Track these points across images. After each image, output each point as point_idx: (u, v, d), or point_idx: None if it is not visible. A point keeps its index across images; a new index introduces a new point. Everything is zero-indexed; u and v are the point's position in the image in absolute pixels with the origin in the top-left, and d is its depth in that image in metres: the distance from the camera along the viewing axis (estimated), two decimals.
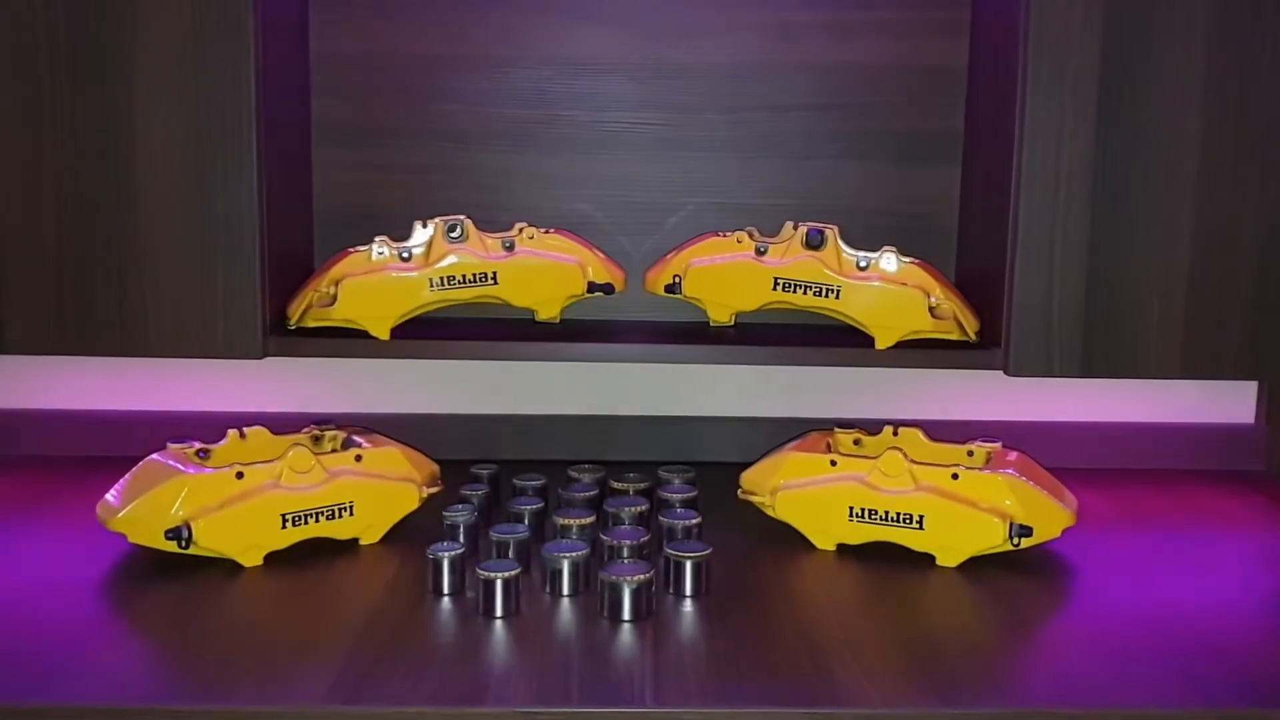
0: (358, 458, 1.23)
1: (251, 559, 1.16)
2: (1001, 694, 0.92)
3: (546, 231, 1.36)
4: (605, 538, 1.15)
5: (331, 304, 1.30)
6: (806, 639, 1.01)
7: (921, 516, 1.19)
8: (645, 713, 0.89)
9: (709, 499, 1.30)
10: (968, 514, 1.17)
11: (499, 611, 1.04)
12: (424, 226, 1.34)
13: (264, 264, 1.28)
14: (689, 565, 1.10)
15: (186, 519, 1.13)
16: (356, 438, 1.29)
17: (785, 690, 0.91)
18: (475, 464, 1.39)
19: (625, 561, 1.09)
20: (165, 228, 1.26)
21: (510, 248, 1.34)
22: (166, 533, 1.12)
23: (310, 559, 1.17)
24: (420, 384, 1.55)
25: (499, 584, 1.04)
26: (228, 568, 1.15)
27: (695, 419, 1.56)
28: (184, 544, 1.13)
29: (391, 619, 1.04)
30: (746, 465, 1.30)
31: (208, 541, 1.13)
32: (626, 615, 1.04)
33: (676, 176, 1.50)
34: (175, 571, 1.13)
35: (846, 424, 1.35)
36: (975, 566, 1.18)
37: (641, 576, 1.04)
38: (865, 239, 1.38)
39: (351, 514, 1.21)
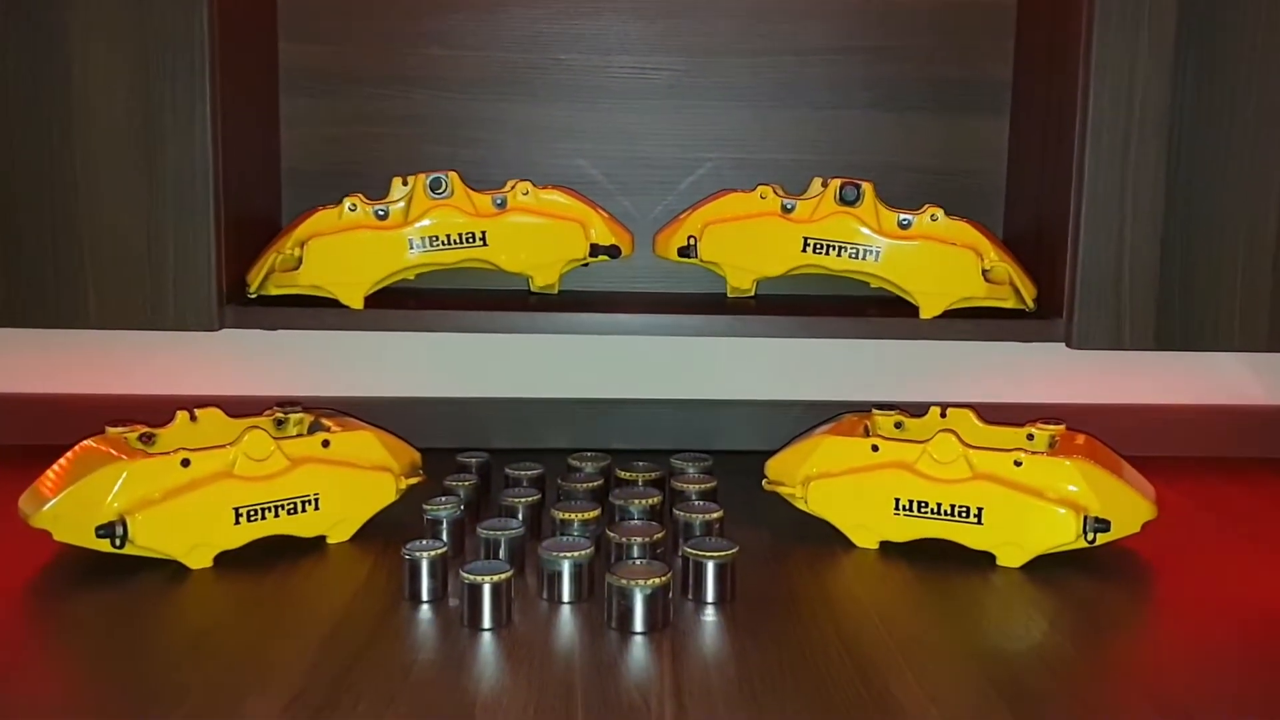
0: (325, 443, 1.06)
1: (199, 560, 0.99)
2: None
3: (543, 188, 1.19)
4: (612, 535, 0.98)
5: (296, 267, 1.14)
6: (854, 654, 0.84)
7: (980, 509, 1.02)
8: None
9: (728, 491, 1.13)
10: (1035, 506, 1.01)
11: (487, 622, 0.88)
12: (404, 184, 1.18)
13: (219, 223, 1.12)
14: (711, 567, 0.93)
15: (121, 513, 0.96)
16: (325, 421, 1.12)
17: (834, 715, 0.75)
18: (462, 452, 1.22)
19: (636, 562, 0.92)
20: (106, 180, 1.10)
21: (502, 205, 1.17)
22: (98, 529, 0.96)
23: (268, 561, 1.01)
24: (400, 364, 1.38)
25: (487, 589, 0.88)
26: (170, 571, 0.98)
27: (711, 403, 1.39)
28: (118, 542, 0.96)
29: (359, 630, 0.87)
30: (769, 455, 1.14)
31: (146, 540, 0.97)
32: (639, 626, 0.87)
33: (689, 130, 1.34)
34: (108, 576, 0.97)
35: (885, 407, 1.19)
36: (1043, 567, 1.01)
37: (657, 580, 0.88)
38: (900, 199, 1.22)
39: (317, 508, 1.04)
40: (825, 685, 0.79)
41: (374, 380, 1.38)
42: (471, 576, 0.88)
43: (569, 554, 0.93)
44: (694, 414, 1.39)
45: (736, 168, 1.33)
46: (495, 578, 0.88)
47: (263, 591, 0.95)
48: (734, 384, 1.40)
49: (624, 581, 0.87)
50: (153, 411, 1.16)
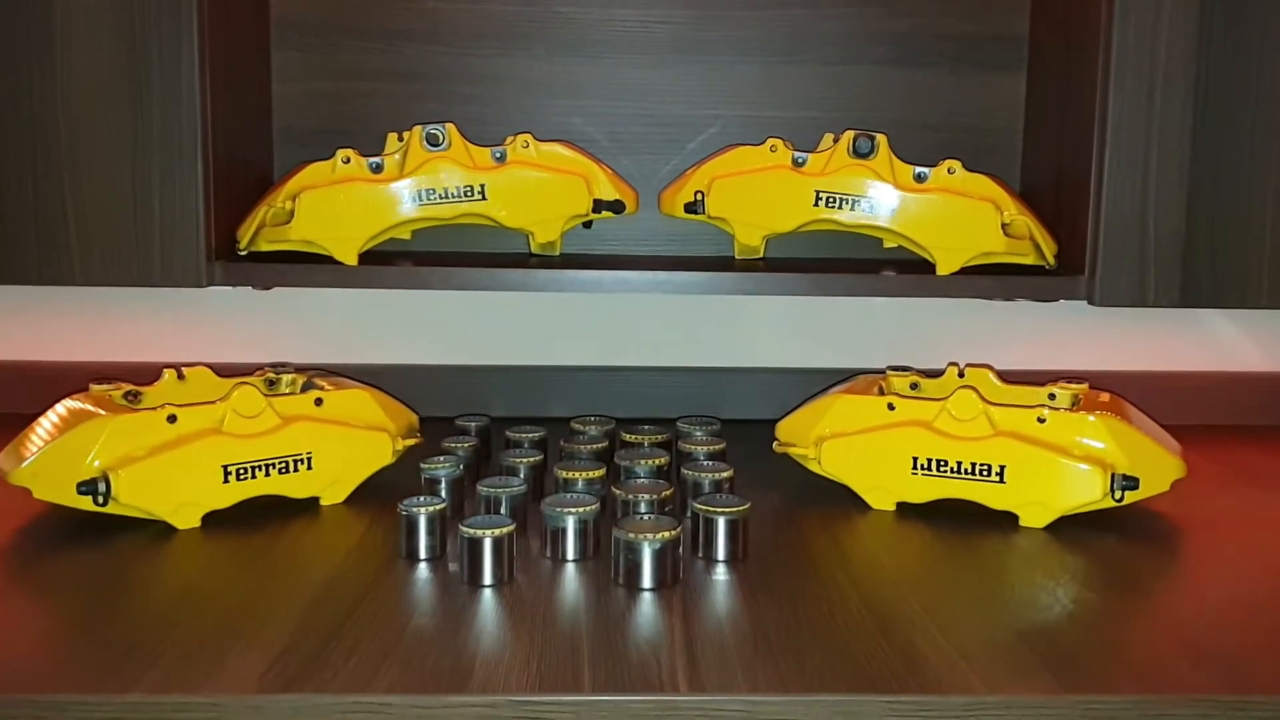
0: (318, 401, 1.02)
1: (185, 520, 0.95)
2: (1138, 677, 0.71)
3: (545, 142, 1.15)
4: (619, 492, 0.94)
5: (287, 221, 1.10)
6: (875, 611, 0.80)
7: (1002, 467, 0.98)
8: (680, 701, 0.67)
9: (736, 458, 1.08)
10: (1060, 463, 0.96)
11: (488, 578, 0.83)
12: (400, 140, 1.13)
13: (208, 174, 1.08)
14: (722, 522, 0.89)
15: (104, 469, 0.92)
16: (319, 381, 1.08)
17: (859, 673, 0.70)
18: (461, 417, 1.18)
19: (644, 518, 0.88)
20: (89, 129, 1.06)
21: (501, 159, 1.13)
22: (79, 486, 0.91)
23: (258, 521, 0.96)
24: (395, 330, 1.34)
25: (488, 543, 0.83)
26: (156, 531, 0.94)
27: (717, 371, 1.35)
28: (101, 500, 0.92)
29: (352, 588, 0.83)
30: (777, 423, 1.09)
31: (130, 497, 0.92)
32: (647, 582, 0.83)
33: (694, 86, 1.29)
34: (89, 536, 0.93)
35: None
36: (1067, 527, 0.97)
37: (666, 534, 0.83)
38: (913, 158, 1.16)
39: (310, 467, 1.00)
40: (845, 641, 0.75)
41: (368, 347, 1.34)
42: (472, 530, 0.83)
43: (574, 509, 0.89)
44: (701, 382, 1.34)
45: (743, 126, 1.29)
46: (497, 531, 0.83)
47: (252, 551, 0.91)
48: (739, 352, 1.35)
49: (632, 536, 0.83)
50: (138, 378, 1.11)
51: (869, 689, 0.68)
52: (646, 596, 0.82)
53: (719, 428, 1.16)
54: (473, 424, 1.15)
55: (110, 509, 0.92)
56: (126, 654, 0.72)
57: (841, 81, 1.29)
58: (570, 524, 0.88)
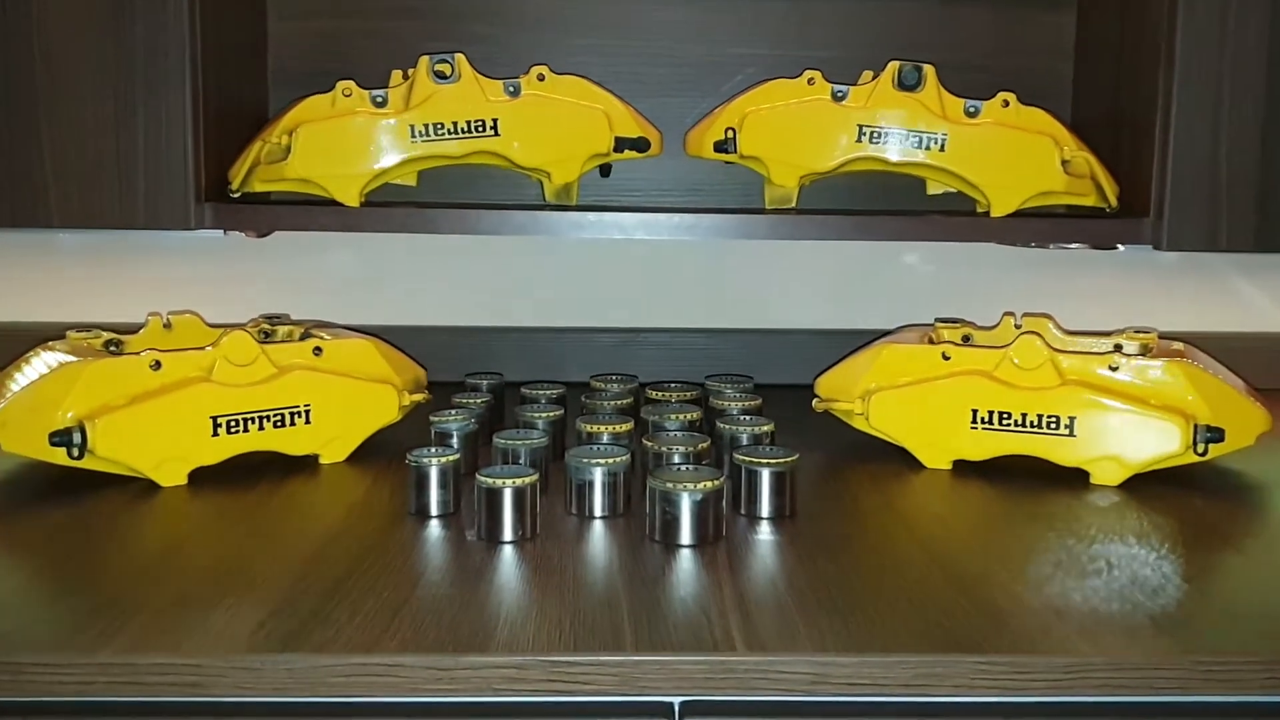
0: (317, 350, 0.93)
1: (170, 476, 0.85)
2: (1261, 638, 0.61)
3: (562, 75, 1.05)
4: (649, 444, 0.84)
5: (284, 158, 1.00)
6: (948, 570, 0.71)
7: (1072, 419, 0.89)
8: (737, 662, 0.58)
9: (772, 418, 0.98)
10: (1136, 414, 0.87)
11: (508, 534, 0.74)
12: (404, 78, 1.04)
13: (197, 108, 0.98)
14: (767, 475, 0.80)
15: (80, 419, 0.83)
16: (318, 332, 0.98)
17: (940, 632, 0.61)
18: (473, 375, 1.09)
19: (681, 468, 0.79)
20: (67, 57, 0.97)
21: (515, 92, 1.03)
22: (52, 437, 0.82)
23: (251, 479, 0.88)
24: (401, 287, 1.24)
25: (507, 495, 0.74)
26: (139, 488, 0.85)
27: (747, 332, 1.25)
28: (76, 452, 0.82)
29: (354, 544, 0.74)
30: (811, 388, 1.00)
31: (109, 450, 0.83)
32: (686, 538, 0.74)
33: (718, 23, 1.20)
34: (63, 493, 0.84)
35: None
36: (1143, 484, 0.88)
37: (709, 483, 0.74)
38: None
39: (308, 421, 0.91)
40: (919, 600, 0.66)
41: (372, 306, 1.24)
42: (490, 480, 0.74)
43: (602, 460, 0.79)
44: (729, 344, 1.25)
45: (772, 67, 1.19)
46: (518, 481, 0.74)
47: (242, 509, 0.82)
48: (771, 312, 1.26)
49: (669, 485, 0.74)
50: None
51: (954, 649, 0.59)
52: (686, 553, 0.73)
53: (752, 385, 1.07)
54: (484, 382, 1.06)
55: (87, 463, 0.83)
56: (96, 612, 0.62)
57: (877, 19, 1.20)
58: (598, 476, 0.79)
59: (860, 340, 1.12)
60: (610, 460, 0.79)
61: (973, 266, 1.24)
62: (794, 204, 1.08)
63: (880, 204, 1.16)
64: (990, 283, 1.24)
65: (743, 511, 0.80)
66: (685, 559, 0.72)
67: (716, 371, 1.21)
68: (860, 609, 0.64)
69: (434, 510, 0.79)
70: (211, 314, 1.08)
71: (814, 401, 0.99)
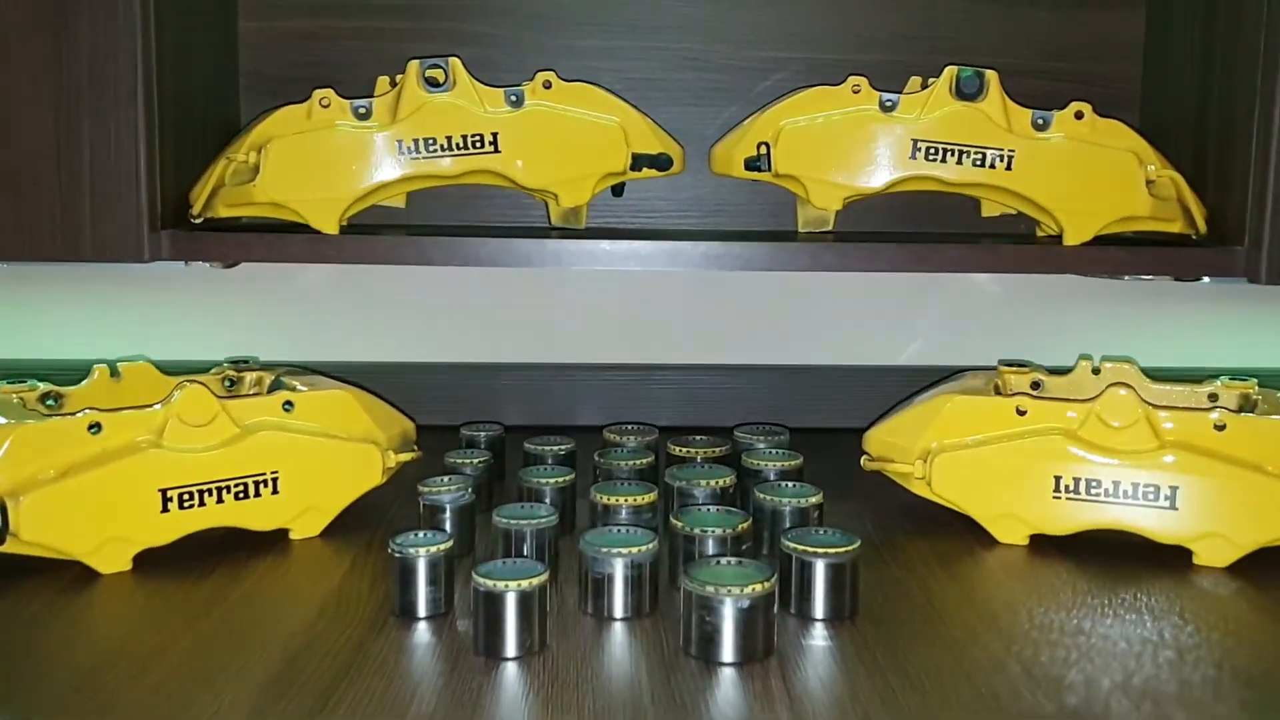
0: (287, 405, 0.80)
1: (111, 561, 0.73)
2: None
3: (571, 82, 0.92)
4: (679, 524, 0.71)
5: (252, 179, 0.87)
6: (1041, 680, 0.57)
7: (1174, 489, 0.75)
8: None
9: (809, 476, 0.85)
10: (1250, 482, 0.74)
11: (511, 648, 0.61)
12: (392, 85, 0.92)
13: (151, 120, 0.86)
14: (822, 568, 0.67)
15: (2, 495, 0.69)
16: (290, 381, 0.85)
17: None
18: (469, 425, 0.96)
19: (719, 562, 0.65)
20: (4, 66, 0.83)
21: (518, 102, 0.90)
22: None
23: (207, 562, 0.75)
24: (386, 320, 1.12)
25: (511, 600, 0.61)
26: (72, 575, 0.72)
27: (773, 369, 1.12)
28: None
29: (327, 656, 0.61)
30: (857, 433, 0.87)
31: (36, 532, 0.70)
32: (729, 654, 0.60)
33: (749, 23, 1.08)
34: None
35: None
36: (1258, 566, 0.75)
37: (758, 586, 0.61)
38: None
39: (275, 491, 0.78)
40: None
41: (352, 342, 1.11)
42: (489, 582, 0.61)
43: (624, 550, 0.66)
44: (755, 382, 1.12)
45: (809, 72, 1.07)
46: (523, 583, 0.61)
47: (196, 604, 0.69)
48: (804, 348, 1.13)
49: (709, 590, 0.60)
50: (61, 381, 0.88)
51: None
52: (728, 674, 0.60)
53: (786, 437, 0.94)
54: (483, 434, 0.93)
55: (10, 547, 0.70)
56: None
57: (925, 19, 1.08)
58: (619, 569, 0.66)
59: (900, 379, 1.01)
60: (633, 549, 0.66)
61: (1035, 292, 1.11)
62: (831, 226, 0.95)
63: (928, 224, 1.04)
64: (1054, 311, 1.12)
65: (793, 610, 0.67)
66: (728, 682, 0.59)
67: (741, 414, 1.09)
68: None
69: (422, 610, 0.66)
70: (173, 350, 0.96)
71: (863, 459, 0.86)
